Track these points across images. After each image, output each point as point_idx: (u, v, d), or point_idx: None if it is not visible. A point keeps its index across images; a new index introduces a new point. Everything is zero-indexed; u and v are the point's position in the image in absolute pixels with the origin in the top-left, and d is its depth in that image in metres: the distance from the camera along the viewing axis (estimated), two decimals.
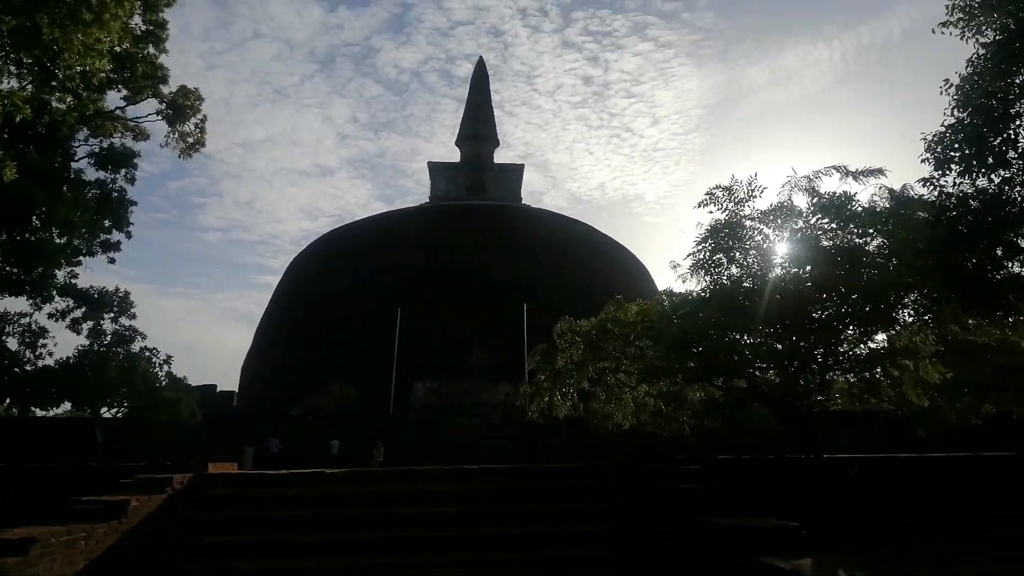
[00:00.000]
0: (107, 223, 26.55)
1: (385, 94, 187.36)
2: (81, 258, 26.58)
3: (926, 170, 10.80)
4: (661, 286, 66.00)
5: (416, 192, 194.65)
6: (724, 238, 12.05)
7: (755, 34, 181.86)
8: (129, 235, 27.40)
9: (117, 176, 26.33)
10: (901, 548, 10.12)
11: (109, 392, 22.92)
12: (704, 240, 12.36)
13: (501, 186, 61.06)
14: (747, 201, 12.25)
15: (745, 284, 12.02)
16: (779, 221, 12.04)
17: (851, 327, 11.15)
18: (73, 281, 26.39)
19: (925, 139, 11.34)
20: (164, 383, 25.02)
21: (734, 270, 12.34)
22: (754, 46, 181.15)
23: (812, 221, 11.68)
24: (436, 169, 61.69)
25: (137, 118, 27.08)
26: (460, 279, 46.47)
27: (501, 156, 67.26)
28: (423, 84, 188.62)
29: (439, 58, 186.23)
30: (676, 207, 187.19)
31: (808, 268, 11.49)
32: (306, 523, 11.13)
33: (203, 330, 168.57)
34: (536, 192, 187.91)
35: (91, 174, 26.30)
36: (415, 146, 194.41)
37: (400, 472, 12.64)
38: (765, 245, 11.93)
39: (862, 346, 11.53)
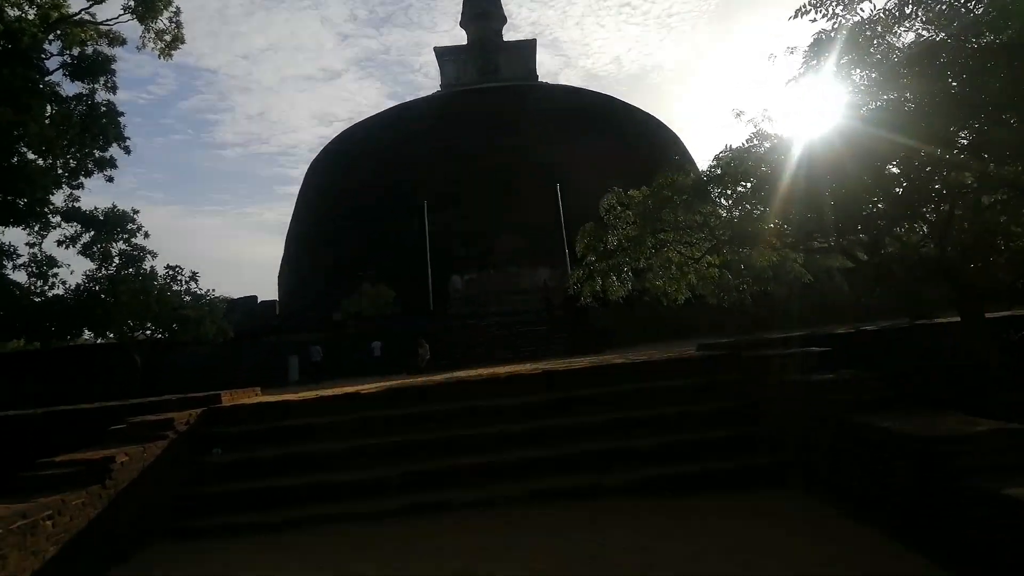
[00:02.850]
0: (100, 139, 23.89)
1: None
2: (81, 179, 24.20)
3: None
4: (695, 156, 61.89)
5: (427, 86, 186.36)
6: (839, 52, 8.74)
7: None
8: (128, 150, 24.73)
9: (96, 86, 23.39)
10: None
11: (123, 316, 20.71)
12: (810, 58, 9.09)
13: (514, 65, 56.21)
14: (861, 2, 8.85)
15: (868, 110, 8.84)
16: (915, 17, 8.64)
17: None
18: (76, 205, 23.98)
19: None
20: (186, 301, 22.81)
21: (849, 96, 9.13)
22: None
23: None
24: (444, 54, 56.79)
25: (108, 20, 23.90)
26: (484, 164, 43.09)
27: (509, 37, 61.85)
28: None
29: None
30: (698, 72, 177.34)
31: (952, 83, 8.24)
32: (343, 458, 8.76)
33: (240, 244, 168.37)
34: (549, 72, 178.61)
35: (69, 88, 23.52)
36: (419, 38, 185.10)
37: (448, 384, 10.13)
38: (892, 57, 8.66)
39: None
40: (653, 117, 53.77)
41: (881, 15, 8.62)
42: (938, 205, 9.07)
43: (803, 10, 8.98)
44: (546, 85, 55.47)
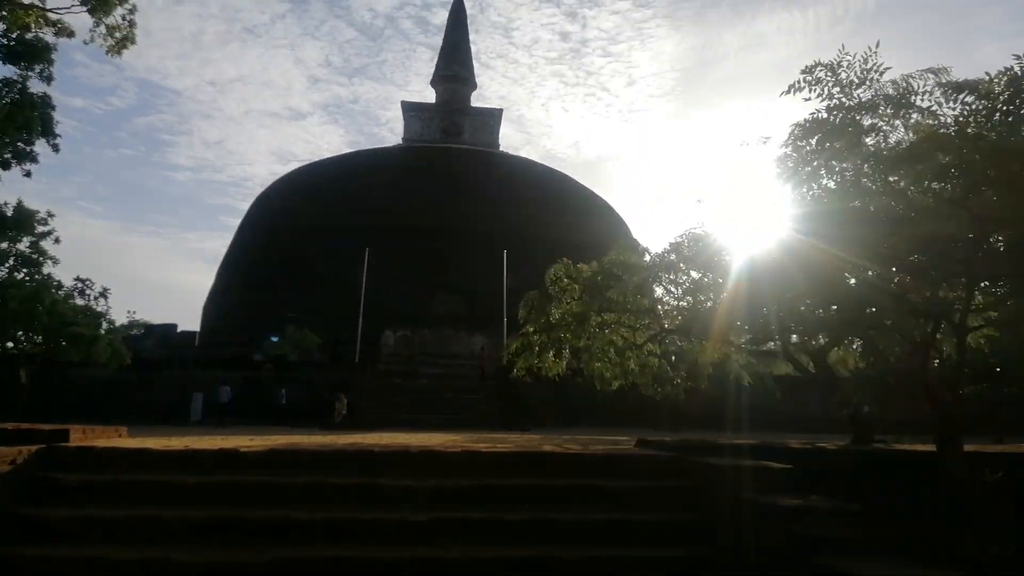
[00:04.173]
0: (23, 131, 21.91)
1: (359, 38, 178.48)
2: None
3: None
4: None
5: (390, 140, 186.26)
6: (829, 135, 7.90)
7: None
8: (56, 147, 22.81)
9: (30, 73, 21.58)
10: None
11: (9, 325, 18.24)
12: (802, 138, 8.24)
13: (478, 131, 56.16)
14: (858, 87, 8.13)
15: (855, 203, 8.00)
16: (902, 113, 7.92)
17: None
18: None
19: None
20: (80, 318, 20.41)
21: (835, 180, 8.29)
22: (730, 10, 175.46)
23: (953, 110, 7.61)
24: (410, 109, 56.42)
25: (58, 8, 22.19)
26: (434, 222, 42.01)
27: (477, 104, 62.00)
28: (398, 30, 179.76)
29: (414, 3, 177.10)
30: (651, 167, 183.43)
31: (948, 184, 7.50)
32: (200, 531, 7.00)
33: (174, 270, 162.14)
34: (511, 146, 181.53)
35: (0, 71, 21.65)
36: (389, 94, 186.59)
37: (348, 452, 8.50)
38: (884, 149, 7.91)
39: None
40: (606, 203, 54.10)
41: (882, 101, 7.84)
42: (921, 323, 8.17)
43: (797, 86, 8.18)
44: (507, 155, 55.45)
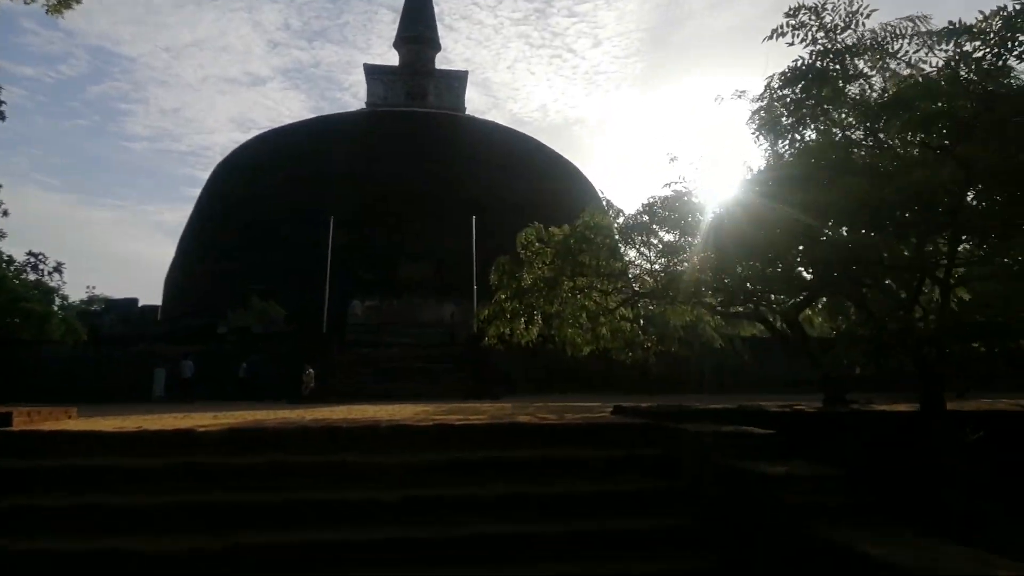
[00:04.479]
0: None
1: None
2: None
3: None
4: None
5: (353, 105, 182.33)
6: (814, 82, 7.52)
7: None
8: (2, 115, 21.69)
9: None
10: None
11: None
12: (784, 87, 7.87)
13: (443, 94, 54.95)
14: (844, 31, 7.77)
15: (839, 155, 7.68)
16: (883, 62, 7.59)
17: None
18: None
19: None
20: (33, 293, 19.55)
21: (818, 130, 7.96)
22: None
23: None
24: (373, 72, 54.93)
25: None
26: (400, 188, 41.12)
27: (441, 67, 60.46)
28: None
29: None
30: (617, 131, 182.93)
31: (934, 132, 7.21)
32: (153, 518, 6.57)
33: (134, 243, 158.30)
34: (477, 110, 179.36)
35: None
36: (351, 57, 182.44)
37: (312, 430, 8.10)
38: (869, 97, 7.59)
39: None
40: (575, 167, 53.56)
41: (868, 42, 7.49)
42: (910, 277, 7.96)
43: (780, 31, 7.79)
44: (474, 118, 54.37)
